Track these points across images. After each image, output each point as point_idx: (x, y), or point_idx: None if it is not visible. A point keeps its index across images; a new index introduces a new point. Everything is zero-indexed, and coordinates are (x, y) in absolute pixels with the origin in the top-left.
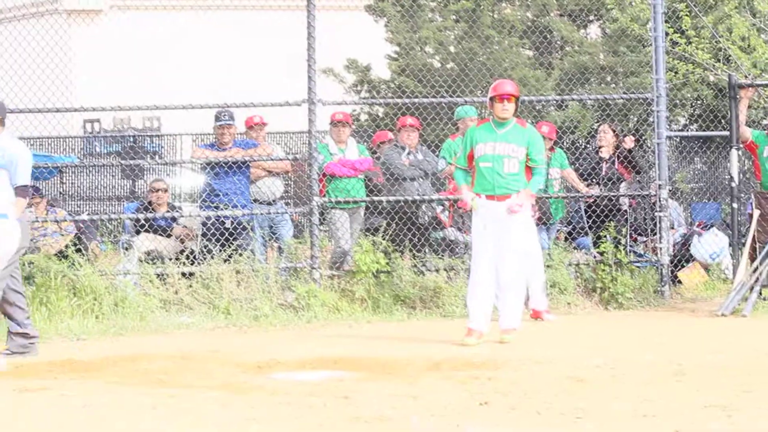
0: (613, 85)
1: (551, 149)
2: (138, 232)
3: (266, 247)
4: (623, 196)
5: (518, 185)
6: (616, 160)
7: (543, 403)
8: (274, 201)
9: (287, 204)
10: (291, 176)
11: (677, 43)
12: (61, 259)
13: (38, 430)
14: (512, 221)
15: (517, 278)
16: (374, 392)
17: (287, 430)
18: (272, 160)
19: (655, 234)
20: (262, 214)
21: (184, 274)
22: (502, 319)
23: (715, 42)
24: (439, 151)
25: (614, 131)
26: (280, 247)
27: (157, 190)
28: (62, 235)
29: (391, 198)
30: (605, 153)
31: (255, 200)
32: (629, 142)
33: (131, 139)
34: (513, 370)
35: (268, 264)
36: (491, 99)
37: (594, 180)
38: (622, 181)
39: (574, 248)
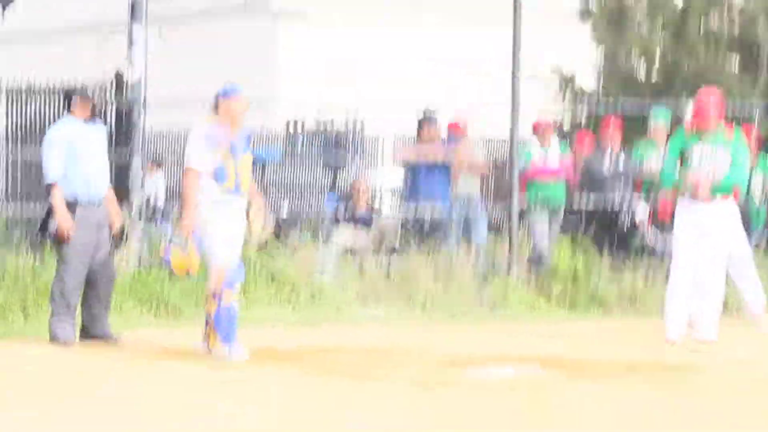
0: None
1: (755, 153)
2: (337, 224)
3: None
4: None
5: (723, 188)
6: None
7: (742, 405)
8: (470, 199)
9: (485, 203)
10: (491, 176)
11: None
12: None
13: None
14: (715, 223)
15: (716, 285)
16: (573, 392)
17: (478, 426)
18: (473, 159)
19: None
20: (461, 211)
21: (382, 268)
22: (699, 329)
23: None
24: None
25: None
26: (477, 245)
27: (359, 189)
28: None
29: (591, 201)
30: None
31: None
32: None
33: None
34: (708, 374)
35: (466, 260)
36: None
37: None
38: None
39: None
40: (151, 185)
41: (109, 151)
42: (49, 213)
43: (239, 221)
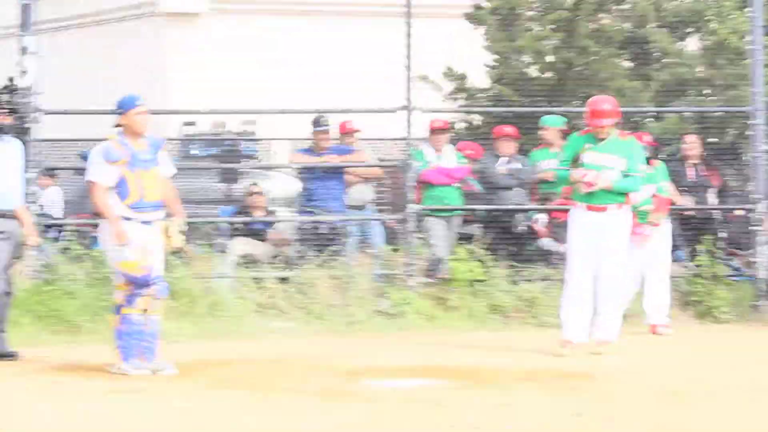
0: (712, 98)
1: (651, 162)
2: (233, 236)
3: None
4: (718, 209)
5: (617, 196)
6: (703, 166)
7: (636, 415)
8: (363, 207)
9: (381, 210)
10: (385, 182)
11: None
12: None
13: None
14: (610, 231)
15: (614, 290)
16: (468, 401)
17: None
18: (367, 166)
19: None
20: (356, 219)
21: (279, 279)
22: (598, 331)
23: None
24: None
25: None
26: (374, 254)
27: (253, 194)
28: None
29: (488, 207)
30: (691, 161)
31: (349, 206)
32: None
33: (228, 143)
34: (607, 381)
35: (362, 270)
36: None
37: (682, 187)
38: (709, 188)
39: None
40: (47, 198)
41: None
42: None
43: (148, 234)
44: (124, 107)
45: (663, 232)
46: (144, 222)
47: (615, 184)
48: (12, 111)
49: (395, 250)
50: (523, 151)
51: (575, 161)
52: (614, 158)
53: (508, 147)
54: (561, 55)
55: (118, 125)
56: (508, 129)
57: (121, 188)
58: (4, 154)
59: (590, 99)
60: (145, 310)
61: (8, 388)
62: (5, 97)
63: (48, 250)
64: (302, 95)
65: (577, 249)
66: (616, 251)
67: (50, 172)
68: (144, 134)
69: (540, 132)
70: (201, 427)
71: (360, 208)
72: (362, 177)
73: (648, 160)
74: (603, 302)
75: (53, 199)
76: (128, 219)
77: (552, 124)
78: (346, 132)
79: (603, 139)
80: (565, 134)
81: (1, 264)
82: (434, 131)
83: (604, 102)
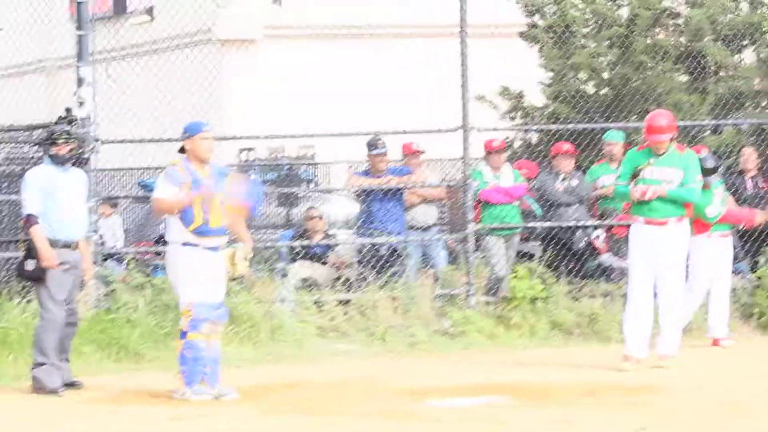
0: None
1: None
2: (294, 260)
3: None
4: None
5: (677, 210)
6: (761, 178)
7: (699, 429)
8: (427, 227)
9: (442, 231)
10: (446, 203)
11: None
12: None
13: None
14: (670, 245)
15: (675, 304)
16: (530, 418)
17: None
18: (426, 187)
19: None
20: (416, 240)
21: (340, 302)
22: (659, 346)
23: None
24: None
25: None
26: (435, 274)
27: (313, 218)
28: None
29: (547, 224)
30: (749, 173)
31: (410, 227)
32: None
33: (286, 168)
34: (669, 396)
35: (423, 291)
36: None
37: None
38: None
39: (732, 273)
40: (107, 227)
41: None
42: (28, 253)
43: (212, 261)
44: (190, 132)
45: (726, 245)
46: (209, 248)
47: (669, 192)
48: (74, 141)
49: (455, 270)
50: (581, 168)
51: (634, 176)
52: (672, 171)
53: (567, 164)
54: (617, 71)
55: (182, 150)
56: (566, 146)
57: (185, 213)
58: (68, 184)
59: (648, 115)
60: (207, 336)
61: (73, 417)
62: (65, 128)
63: (109, 279)
64: (358, 118)
65: (637, 264)
66: (676, 265)
67: (113, 200)
68: (208, 160)
69: (606, 147)
70: None
71: (425, 229)
72: (425, 198)
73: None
74: (664, 316)
75: (114, 227)
76: (194, 246)
77: (617, 139)
78: (410, 153)
79: (661, 154)
80: (625, 149)
81: (65, 295)
82: (491, 151)
83: (662, 117)
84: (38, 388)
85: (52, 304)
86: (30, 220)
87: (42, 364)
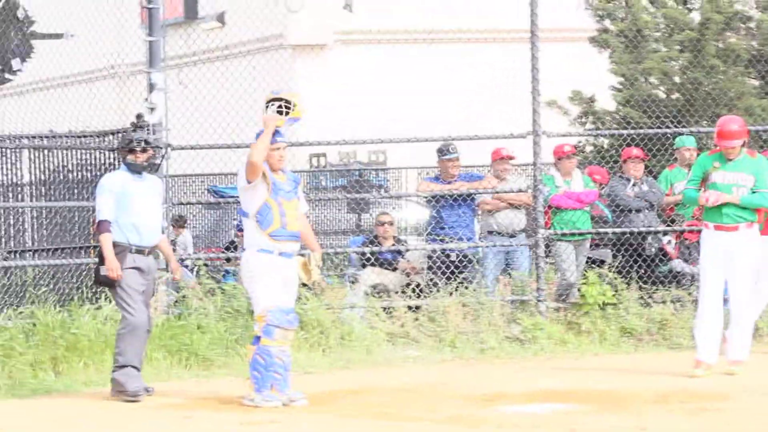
0: None
1: None
2: (364, 266)
3: (497, 280)
4: None
5: (748, 215)
6: None
7: None
8: (514, 234)
9: (528, 236)
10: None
11: None
12: None
13: None
14: (740, 250)
15: (745, 309)
16: (602, 425)
17: None
18: (497, 192)
19: None
20: (487, 246)
21: (410, 308)
22: (730, 351)
23: None
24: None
25: None
26: (514, 279)
27: (383, 224)
28: None
29: (617, 230)
30: None
31: (491, 232)
32: None
33: (357, 173)
34: (741, 401)
35: (495, 297)
36: (718, 136)
37: None
38: None
39: None
40: (179, 244)
41: None
42: (101, 260)
43: (287, 266)
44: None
45: None
46: (283, 254)
47: (742, 199)
48: (151, 150)
49: (527, 276)
50: (653, 173)
51: (705, 181)
52: (743, 176)
53: (637, 169)
54: (688, 75)
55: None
56: (636, 151)
57: (263, 215)
58: (143, 191)
59: (719, 120)
60: (280, 342)
61: (144, 423)
62: (143, 136)
63: (180, 285)
64: (430, 123)
65: (708, 269)
66: (746, 271)
67: (180, 221)
68: (281, 168)
69: (681, 152)
70: None
71: (512, 235)
72: (511, 203)
73: None
74: (734, 322)
75: (185, 243)
76: (269, 252)
77: (688, 144)
78: (500, 158)
79: (732, 159)
80: (697, 154)
81: (141, 297)
82: (562, 156)
83: (732, 122)
84: (119, 391)
85: (133, 307)
86: (101, 226)
87: (123, 366)
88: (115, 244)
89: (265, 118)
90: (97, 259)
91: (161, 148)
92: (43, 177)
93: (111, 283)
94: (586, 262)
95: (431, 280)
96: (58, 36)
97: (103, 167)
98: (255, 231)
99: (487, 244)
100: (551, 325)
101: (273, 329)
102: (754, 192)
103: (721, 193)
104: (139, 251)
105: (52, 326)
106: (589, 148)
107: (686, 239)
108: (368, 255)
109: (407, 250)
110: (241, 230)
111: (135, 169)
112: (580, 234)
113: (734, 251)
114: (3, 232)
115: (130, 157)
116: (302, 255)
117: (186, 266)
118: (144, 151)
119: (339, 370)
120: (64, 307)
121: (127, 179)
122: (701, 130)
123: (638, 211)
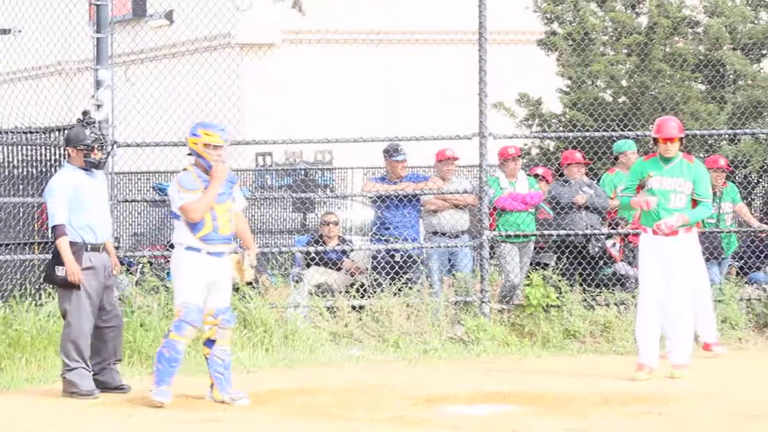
0: None
1: (724, 183)
2: (308, 265)
3: (442, 281)
4: None
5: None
6: None
7: None
8: (457, 234)
9: (473, 238)
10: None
11: None
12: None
13: None
14: (679, 256)
15: (686, 313)
16: (544, 426)
17: None
18: (442, 193)
19: None
20: (432, 247)
21: (354, 308)
22: (672, 355)
23: None
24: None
25: None
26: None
27: (328, 223)
28: None
29: (561, 232)
30: None
31: (435, 232)
32: None
33: (302, 173)
34: (683, 405)
35: (439, 297)
36: (654, 139)
37: None
38: None
39: (746, 283)
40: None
41: None
42: (55, 259)
43: (215, 265)
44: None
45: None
46: (212, 254)
47: (692, 220)
48: (102, 145)
49: (471, 277)
50: (596, 176)
51: (641, 187)
52: (680, 181)
53: (578, 172)
54: (635, 79)
55: (190, 154)
56: (577, 155)
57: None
58: (93, 188)
59: (656, 120)
60: (214, 341)
61: (87, 421)
62: (98, 133)
63: (123, 282)
64: (376, 123)
65: (647, 274)
66: (685, 275)
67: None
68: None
69: (620, 158)
70: None
71: (455, 236)
72: (455, 204)
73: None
74: (675, 326)
75: None
76: (197, 250)
77: (630, 148)
78: (444, 159)
79: (669, 160)
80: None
81: (96, 300)
82: (507, 158)
83: (670, 120)
84: (71, 391)
85: (79, 312)
86: (58, 230)
87: (72, 369)
88: (70, 244)
89: (217, 171)
90: (44, 257)
91: (110, 145)
92: None
93: (69, 286)
94: (531, 265)
95: (375, 280)
96: (4, 32)
97: (48, 163)
98: (185, 231)
99: (431, 245)
100: (495, 327)
101: (184, 325)
102: (692, 198)
103: (654, 197)
104: (94, 249)
105: None
106: (535, 151)
107: (630, 242)
108: (313, 254)
109: (352, 250)
110: None
111: (92, 166)
112: (525, 236)
113: (673, 256)
114: None
115: (92, 156)
116: (236, 253)
117: (130, 263)
118: (101, 148)
119: (282, 369)
120: (5, 303)
121: (78, 178)
122: (647, 134)
123: (579, 208)
